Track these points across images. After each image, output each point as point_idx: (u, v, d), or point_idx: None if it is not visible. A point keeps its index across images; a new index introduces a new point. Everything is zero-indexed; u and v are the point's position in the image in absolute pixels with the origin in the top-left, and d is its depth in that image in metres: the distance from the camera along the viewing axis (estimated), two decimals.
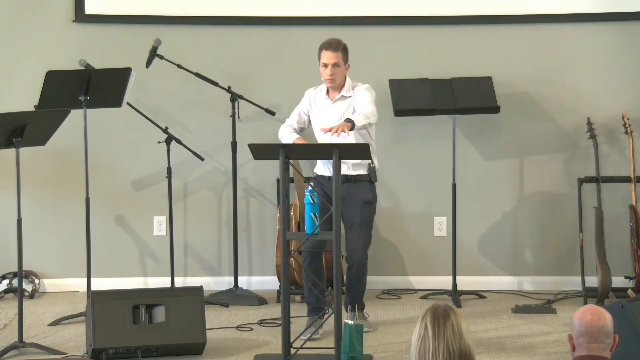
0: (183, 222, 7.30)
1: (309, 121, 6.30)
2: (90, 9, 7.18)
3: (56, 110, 6.01)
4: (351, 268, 6.18)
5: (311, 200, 5.54)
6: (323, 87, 6.24)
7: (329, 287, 6.66)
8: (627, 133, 6.97)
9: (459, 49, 7.20)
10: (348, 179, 6.13)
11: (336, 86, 6.16)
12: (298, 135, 6.22)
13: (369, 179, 6.17)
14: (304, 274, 6.19)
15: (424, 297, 7.06)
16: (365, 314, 6.39)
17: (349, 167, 6.15)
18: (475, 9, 7.16)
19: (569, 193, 7.17)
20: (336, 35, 7.00)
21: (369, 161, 6.11)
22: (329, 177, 6.10)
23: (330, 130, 5.76)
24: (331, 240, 5.72)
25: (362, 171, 6.16)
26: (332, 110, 6.17)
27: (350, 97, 6.16)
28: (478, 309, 6.79)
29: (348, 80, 6.19)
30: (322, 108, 6.22)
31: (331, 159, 5.39)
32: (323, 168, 6.23)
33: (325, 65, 6.08)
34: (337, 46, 6.08)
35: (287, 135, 6.26)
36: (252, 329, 6.35)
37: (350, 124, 5.81)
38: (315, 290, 6.12)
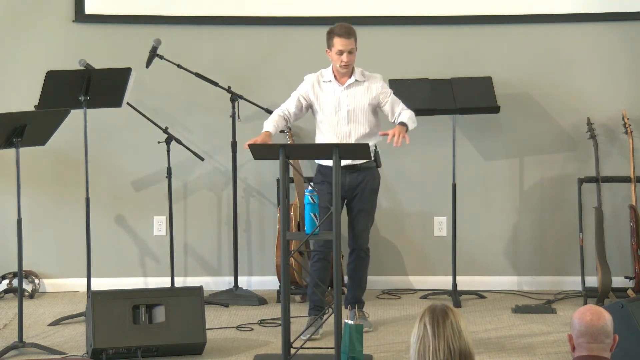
0: (183, 222, 7.30)
1: (307, 107, 6.17)
2: (90, 9, 7.18)
3: (56, 110, 6.01)
4: (359, 252, 6.21)
5: (311, 200, 5.54)
6: (326, 73, 6.16)
7: (330, 287, 6.66)
8: (627, 133, 6.97)
9: (459, 49, 7.20)
10: (357, 168, 6.11)
11: (348, 71, 6.13)
12: (269, 130, 6.00)
13: (376, 164, 6.19)
14: (311, 269, 6.16)
15: (424, 297, 7.06)
16: (366, 313, 6.39)
17: None
18: (475, 9, 7.16)
19: (569, 193, 7.17)
20: None
21: (373, 145, 6.11)
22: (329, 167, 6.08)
23: (391, 135, 5.91)
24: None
25: (368, 157, 6.06)
26: (347, 95, 6.11)
27: (364, 81, 6.13)
28: (478, 309, 6.79)
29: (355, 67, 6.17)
30: (332, 93, 6.12)
31: (331, 158, 5.39)
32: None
33: (341, 52, 6.03)
34: (350, 32, 6.04)
35: (268, 121, 6.07)
36: (252, 329, 6.35)
37: (405, 128, 5.99)
38: (317, 291, 6.10)
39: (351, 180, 6.07)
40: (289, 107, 6.14)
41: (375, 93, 6.15)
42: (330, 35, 6.08)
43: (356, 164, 6.12)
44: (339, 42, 6.03)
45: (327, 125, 6.14)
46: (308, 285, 6.31)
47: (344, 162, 6.00)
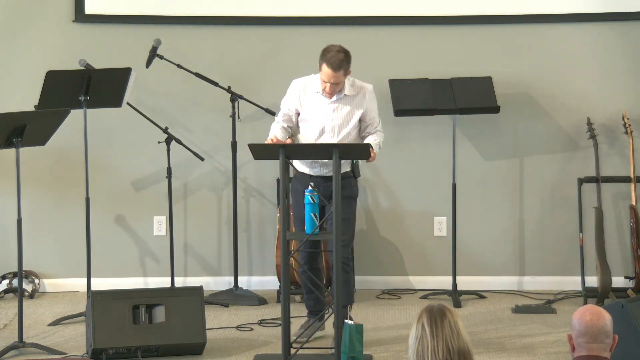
0: (183, 222, 7.29)
1: (296, 115, 6.02)
2: (90, 9, 7.18)
3: (56, 110, 6.02)
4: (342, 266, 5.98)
5: (311, 200, 5.54)
6: (316, 82, 5.94)
7: (329, 287, 6.65)
8: (627, 133, 6.97)
9: (459, 49, 7.20)
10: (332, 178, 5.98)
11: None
12: (281, 135, 5.92)
13: (353, 174, 5.99)
14: (301, 276, 6.10)
15: (424, 297, 7.06)
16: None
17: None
18: (475, 9, 7.16)
19: (569, 193, 7.17)
20: (336, 35, 6.99)
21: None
22: (311, 176, 5.92)
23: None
24: (324, 241, 5.78)
25: (346, 168, 5.91)
26: (333, 109, 5.90)
27: (354, 95, 5.92)
28: (478, 309, 6.78)
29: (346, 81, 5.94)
30: (318, 105, 5.93)
31: (331, 158, 5.39)
32: (307, 166, 5.98)
33: (325, 81, 5.83)
34: (339, 65, 5.75)
35: (273, 130, 5.95)
36: (252, 329, 6.35)
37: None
38: (316, 292, 6.08)
39: (325, 189, 5.83)
40: (284, 117, 5.99)
41: (363, 109, 5.92)
42: (321, 59, 5.81)
43: (331, 175, 5.84)
44: (325, 72, 5.80)
45: (309, 135, 5.96)
46: (303, 290, 6.23)
47: (319, 173, 5.95)
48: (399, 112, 6.92)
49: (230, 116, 7.00)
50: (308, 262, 6.03)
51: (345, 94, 5.91)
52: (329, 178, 5.86)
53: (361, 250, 7.19)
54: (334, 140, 5.90)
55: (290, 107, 6.00)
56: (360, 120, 5.95)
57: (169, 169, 6.88)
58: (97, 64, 6.68)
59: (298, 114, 6.01)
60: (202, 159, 6.99)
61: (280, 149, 5.43)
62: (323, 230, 5.90)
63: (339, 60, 5.76)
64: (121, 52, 7.14)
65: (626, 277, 6.95)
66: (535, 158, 7.24)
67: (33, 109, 6.30)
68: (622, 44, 7.15)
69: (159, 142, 6.88)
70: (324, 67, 5.79)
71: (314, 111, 5.95)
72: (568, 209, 7.18)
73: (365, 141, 5.87)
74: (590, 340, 3.61)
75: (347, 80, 5.91)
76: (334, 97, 5.91)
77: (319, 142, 5.92)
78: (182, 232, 7.30)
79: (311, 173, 5.96)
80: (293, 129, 6.08)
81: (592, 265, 6.92)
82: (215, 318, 6.57)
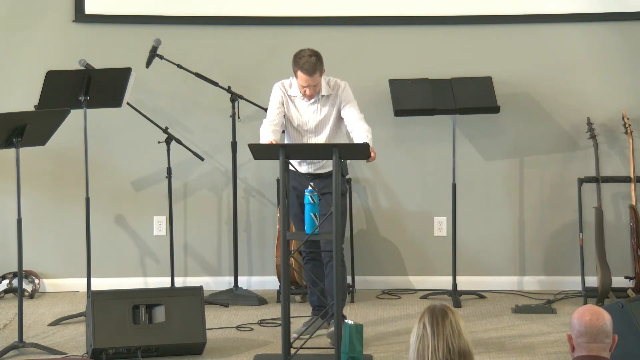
0: (183, 222, 7.29)
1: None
2: (90, 9, 7.18)
3: (56, 110, 6.02)
4: (327, 264, 6.06)
5: (311, 200, 5.54)
6: (293, 87, 6.07)
7: None
8: (627, 133, 6.97)
9: (459, 49, 7.20)
10: (320, 176, 6.03)
11: None
12: (274, 137, 5.95)
13: (340, 173, 5.92)
14: (304, 274, 6.16)
15: (424, 297, 7.06)
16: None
17: (322, 166, 6.03)
18: (475, 9, 7.16)
19: (569, 193, 7.17)
20: (336, 35, 7.01)
21: None
22: (301, 174, 5.98)
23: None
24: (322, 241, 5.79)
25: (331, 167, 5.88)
26: (313, 110, 6.02)
27: (331, 94, 6.03)
28: (478, 309, 6.78)
29: (322, 80, 6.04)
30: (299, 108, 6.05)
31: (331, 158, 5.40)
32: (297, 164, 6.03)
33: (304, 87, 5.95)
34: (313, 69, 5.89)
35: (266, 134, 5.98)
36: (252, 329, 6.35)
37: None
38: (315, 291, 6.09)
39: (314, 186, 5.84)
40: (274, 119, 6.02)
41: (338, 103, 6.02)
42: (295, 66, 5.95)
43: (319, 172, 6.04)
44: (302, 78, 5.93)
45: (293, 137, 6.06)
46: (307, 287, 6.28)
47: (307, 170, 6.02)
48: (399, 112, 6.92)
49: (230, 116, 7.00)
50: (309, 257, 6.10)
51: (322, 95, 6.03)
52: (317, 175, 6.04)
53: (361, 250, 7.19)
54: (318, 140, 6.01)
55: (278, 109, 6.06)
56: (340, 114, 6.04)
57: (169, 169, 6.88)
58: (97, 64, 6.68)
59: (284, 115, 6.08)
60: (202, 159, 7.00)
61: (280, 149, 5.44)
62: None
63: (312, 65, 5.92)
64: (121, 52, 7.14)
65: (626, 277, 6.95)
66: (535, 158, 7.24)
67: (33, 109, 6.30)
68: (622, 44, 7.15)
69: (159, 142, 6.88)
70: (299, 73, 5.95)
71: (296, 114, 6.05)
72: (568, 209, 7.18)
73: (356, 139, 5.87)
74: (590, 340, 3.61)
75: (323, 80, 6.03)
76: (313, 99, 6.02)
77: (303, 141, 6.02)
78: (182, 232, 7.30)
79: (300, 170, 5.99)
80: (281, 129, 6.09)
81: (592, 265, 6.93)
82: (215, 318, 6.57)
